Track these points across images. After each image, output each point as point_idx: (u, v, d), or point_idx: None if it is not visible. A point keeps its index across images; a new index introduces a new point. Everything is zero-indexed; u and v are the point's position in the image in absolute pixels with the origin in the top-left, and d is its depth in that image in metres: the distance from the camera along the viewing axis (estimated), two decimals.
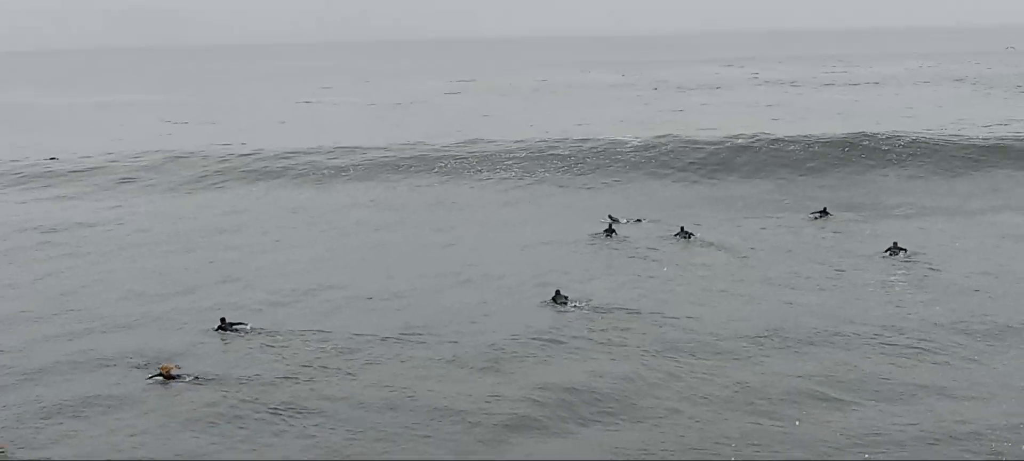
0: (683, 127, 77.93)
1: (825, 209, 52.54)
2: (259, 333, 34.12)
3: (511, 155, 68.77)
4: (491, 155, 69.19)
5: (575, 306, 36.13)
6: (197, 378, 29.78)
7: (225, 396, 28.50)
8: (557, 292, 37.07)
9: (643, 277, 40.80)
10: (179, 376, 29.75)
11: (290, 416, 27.05)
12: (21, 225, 54.73)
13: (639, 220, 51.79)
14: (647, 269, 42.17)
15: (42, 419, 27.20)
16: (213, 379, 29.78)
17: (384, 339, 33.00)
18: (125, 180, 68.01)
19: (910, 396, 27.51)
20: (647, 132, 74.30)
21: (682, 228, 47.85)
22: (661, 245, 46.32)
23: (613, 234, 48.04)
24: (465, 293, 38.80)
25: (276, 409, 27.43)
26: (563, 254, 45.28)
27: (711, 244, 46.07)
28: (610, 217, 51.27)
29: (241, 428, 26.38)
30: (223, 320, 34.78)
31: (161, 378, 29.68)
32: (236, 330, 34.35)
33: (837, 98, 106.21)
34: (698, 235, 47.54)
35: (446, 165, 67.77)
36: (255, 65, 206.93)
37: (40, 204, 61.55)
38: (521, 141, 72.74)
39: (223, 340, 33.78)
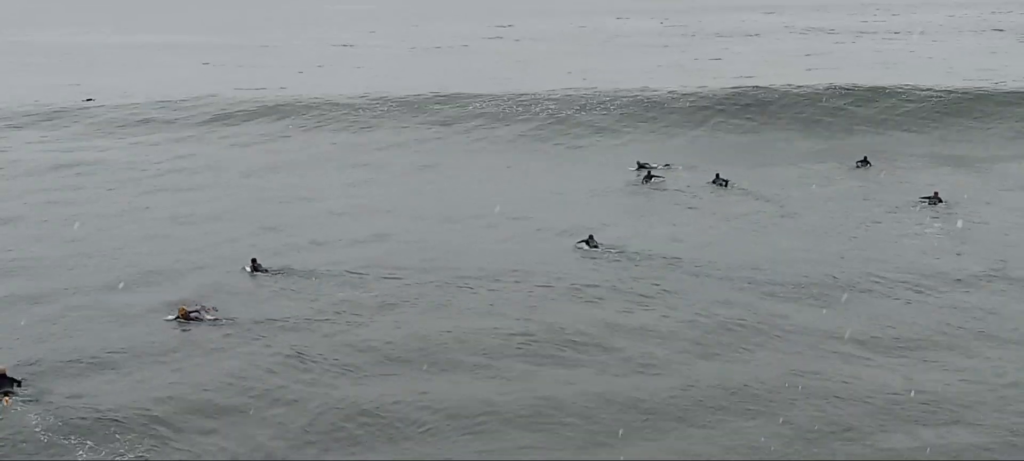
0: (720, 76, 76.91)
1: (866, 159, 51.68)
2: (289, 275, 34.04)
3: (547, 101, 67.98)
4: (527, 102, 68.34)
5: (607, 251, 36.12)
6: (216, 320, 29.70)
7: (237, 338, 28.41)
8: (590, 236, 37.13)
9: (679, 224, 40.57)
10: (198, 317, 29.67)
11: (310, 361, 26.81)
12: (55, 164, 54.91)
13: (667, 165, 51.53)
14: (683, 216, 41.93)
15: (76, 364, 26.99)
16: (230, 320, 29.72)
17: (417, 283, 32.81)
18: (162, 122, 67.77)
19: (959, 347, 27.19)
20: (685, 80, 73.39)
21: (718, 175, 47.51)
22: (698, 192, 45.97)
23: (651, 180, 47.88)
24: (499, 237, 38.71)
25: (296, 354, 27.12)
26: (598, 200, 45.09)
27: (748, 192, 45.60)
28: (639, 163, 51.21)
29: (241, 376, 25.93)
30: (254, 261, 34.75)
31: (179, 319, 29.71)
32: (266, 271, 34.35)
33: (875, 47, 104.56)
34: (734, 182, 47.07)
35: (482, 110, 67.21)
36: (300, 5, 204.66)
37: (73, 145, 61.49)
38: (558, 88, 71.87)
39: (254, 281, 33.76)
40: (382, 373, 26.15)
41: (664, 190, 46.57)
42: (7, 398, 24.39)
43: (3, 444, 22.46)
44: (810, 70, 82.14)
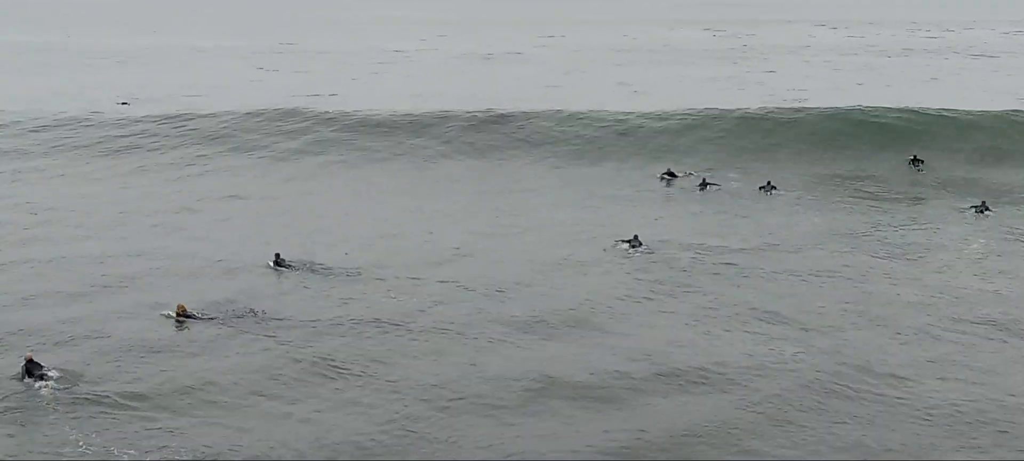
0: (771, 93, 75.04)
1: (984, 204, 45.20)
2: (314, 272, 33.78)
3: (590, 118, 65.09)
4: (570, 117, 64.46)
5: (647, 251, 37.41)
6: (212, 318, 29.94)
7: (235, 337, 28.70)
8: (635, 236, 38.30)
9: (726, 228, 41.19)
10: (193, 315, 29.91)
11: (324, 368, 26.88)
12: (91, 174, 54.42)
13: (690, 174, 51.73)
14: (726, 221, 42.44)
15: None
16: (221, 318, 30.20)
17: (447, 291, 32.32)
18: (205, 134, 63.13)
19: None
20: (735, 98, 71.41)
21: (768, 182, 48.49)
22: (746, 198, 46.65)
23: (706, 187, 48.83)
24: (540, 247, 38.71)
25: (313, 362, 27.16)
26: (643, 208, 45.16)
27: (797, 204, 45.07)
28: (669, 173, 51.73)
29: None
30: (277, 256, 34.48)
31: (175, 317, 29.93)
32: (289, 266, 34.18)
33: (924, 66, 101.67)
34: (781, 191, 47.73)
35: (524, 129, 62.69)
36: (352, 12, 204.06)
37: (108, 152, 59.99)
38: (601, 106, 67.89)
39: (277, 276, 33.50)
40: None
41: (715, 197, 46.38)
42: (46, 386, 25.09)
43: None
44: (860, 84, 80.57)
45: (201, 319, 29.47)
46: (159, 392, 24.83)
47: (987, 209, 42.59)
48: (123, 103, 72.41)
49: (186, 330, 28.86)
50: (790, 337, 28.47)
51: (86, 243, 38.64)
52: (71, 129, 63.02)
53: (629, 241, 37.69)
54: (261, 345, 27.68)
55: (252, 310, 29.87)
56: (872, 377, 25.68)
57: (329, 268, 34.51)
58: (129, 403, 24.18)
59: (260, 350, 27.29)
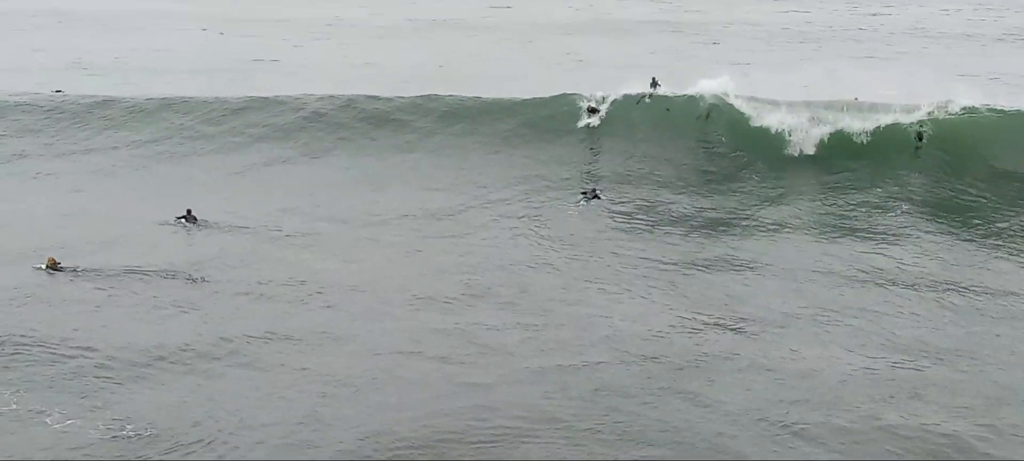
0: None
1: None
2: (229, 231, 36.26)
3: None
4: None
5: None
6: (75, 270, 33.24)
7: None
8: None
9: None
10: (62, 267, 33.07)
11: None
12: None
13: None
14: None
15: None
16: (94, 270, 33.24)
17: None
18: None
19: None
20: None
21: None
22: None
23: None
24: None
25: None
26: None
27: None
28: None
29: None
30: (189, 212, 36.76)
31: (46, 269, 33.26)
32: (198, 224, 36.50)
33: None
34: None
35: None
36: None
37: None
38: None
39: (186, 231, 35.92)
40: None
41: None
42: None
43: None
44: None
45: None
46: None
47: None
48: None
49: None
50: None
51: None
52: None
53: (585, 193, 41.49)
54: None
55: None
56: None
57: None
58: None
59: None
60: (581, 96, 52.87)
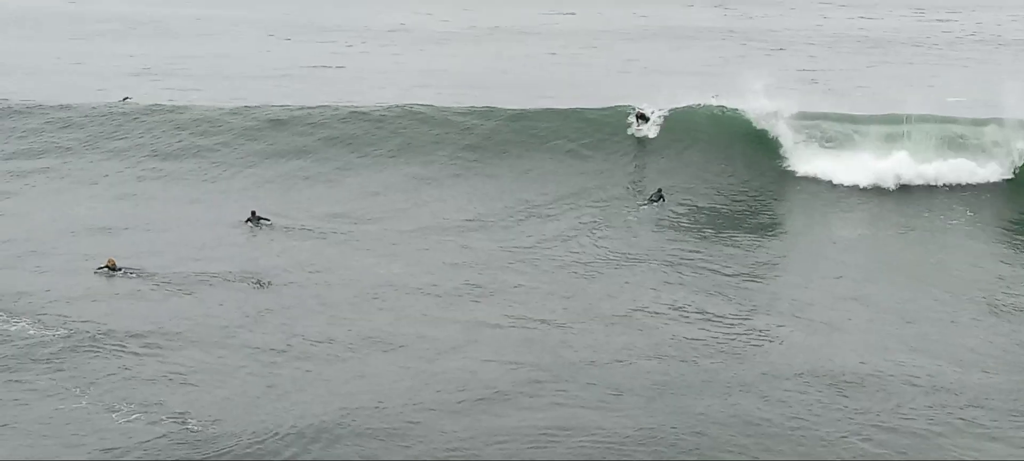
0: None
1: None
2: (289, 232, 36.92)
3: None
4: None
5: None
6: (136, 272, 34.19)
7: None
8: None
9: None
10: (122, 268, 33.86)
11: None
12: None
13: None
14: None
15: None
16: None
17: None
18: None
19: None
20: None
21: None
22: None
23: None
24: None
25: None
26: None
27: None
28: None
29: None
30: (253, 213, 37.48)
31: (107, 270, 33.97)
32: (262, 224, 37.22)
33: None
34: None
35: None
36: None
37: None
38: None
39: (251, 233, 36.51)
40: None
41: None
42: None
43: None
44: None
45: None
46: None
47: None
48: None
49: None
50: None
51: None
52: None
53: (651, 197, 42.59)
54: None
55: None
56: None
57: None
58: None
59: None
60: (632, 107, 52.57)
